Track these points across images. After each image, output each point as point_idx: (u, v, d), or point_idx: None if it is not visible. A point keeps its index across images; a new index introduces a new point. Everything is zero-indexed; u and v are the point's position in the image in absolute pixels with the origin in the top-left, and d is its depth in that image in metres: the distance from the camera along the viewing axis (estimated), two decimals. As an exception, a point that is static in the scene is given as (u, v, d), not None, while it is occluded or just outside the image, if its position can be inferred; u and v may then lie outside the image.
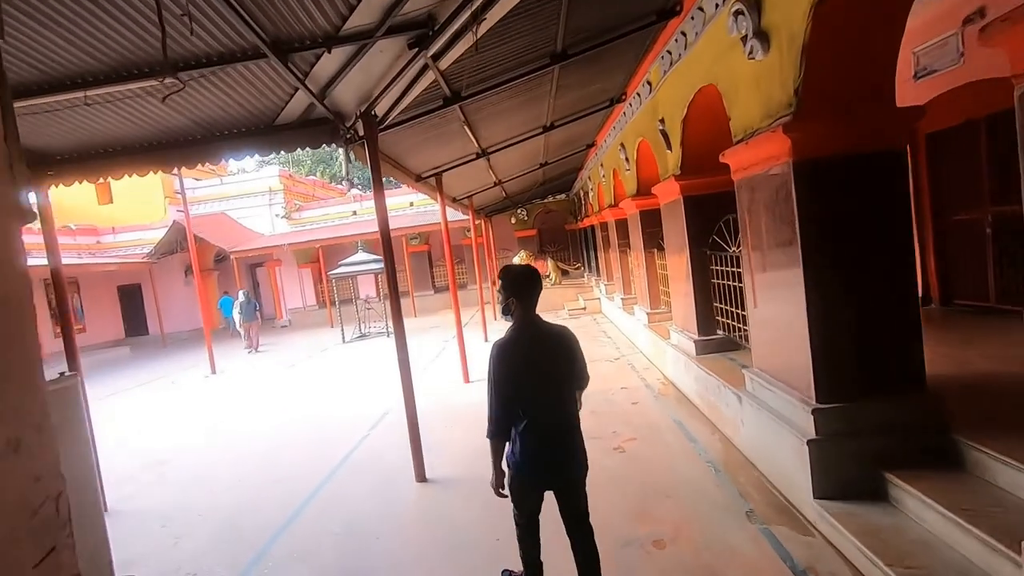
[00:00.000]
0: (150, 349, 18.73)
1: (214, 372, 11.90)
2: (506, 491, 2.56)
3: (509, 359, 2.46)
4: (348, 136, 4.70)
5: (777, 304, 3.70)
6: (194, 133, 4.58)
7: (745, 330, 5.25)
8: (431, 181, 8.12)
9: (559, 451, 2.51)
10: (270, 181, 21.08)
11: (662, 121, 5.96)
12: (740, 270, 5.07)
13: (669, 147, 5.88)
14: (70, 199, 21.81)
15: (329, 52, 3.56)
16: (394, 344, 4.85)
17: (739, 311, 5.23)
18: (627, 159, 8.27)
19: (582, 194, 16.41)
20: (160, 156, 4.66)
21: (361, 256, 14.08)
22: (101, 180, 4.81)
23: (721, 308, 5.71)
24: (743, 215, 4.11)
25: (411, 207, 20.84)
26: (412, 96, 4.58)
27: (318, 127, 4.61)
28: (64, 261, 15.58)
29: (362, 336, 14.73)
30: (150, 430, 7.81)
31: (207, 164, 4.67)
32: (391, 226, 4.82)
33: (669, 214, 6.33)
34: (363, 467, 5.29)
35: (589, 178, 13.84)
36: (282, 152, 4.67)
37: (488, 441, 2.51)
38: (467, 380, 8.23)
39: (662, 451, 4.76)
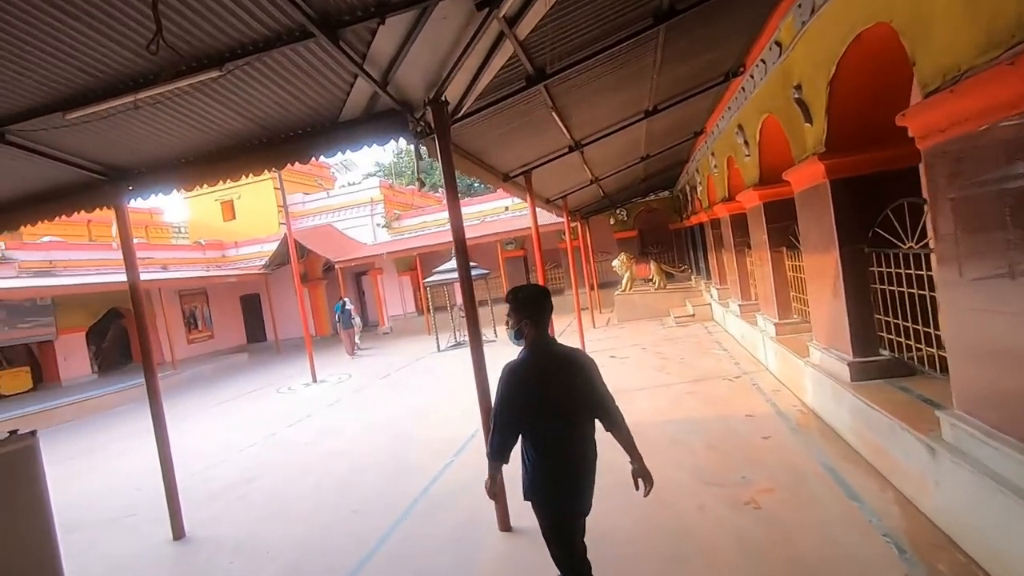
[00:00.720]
0: (265, 355, 19.94)
1: (314, 380, 12.12)
2: (497, 489, 2.55)
3: (515, 383, 2.36)
4: (419, 129, 4.12)
5: (1014, 326, 2.52)
6: (258, 136, 4.24)
7: (926, 351, 3.97)
8: (519, 180, 7.45)
9: (568, 482, 2.40)
10: (371, 192, 21.73)
11: (798, 88, 4.78)
12: (922, 273, 3.82)
13: (808, 119, 4.69)
14: (201, 218, 24.01)
15: (383, 22, 2.97)
16: (473, 362, 4.17)
17: (917, 327, 3.96)
18: (746, 143, 7.04)
19: (688, 190, 14.98)
20: (228, 164, 4.37)
21: (454, 263, 13.79)
22: (176, 191, 4.65)
23: (887, 322, 4.42)
24: (937, 197, 2.94)
25: (506, 211, 20.46)
26: (488, 76, 3.90)
27: (384, 120, 4.07)
28: (193, 274, 16.86)
29: (457, 344, 14.45)
30: (244, 443, 7.85)
31: (272, 170, 4.33)
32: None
33: (807, 203, 5.11)
34: (442, 504, 4.67)
35: (697, 171, 12.48)
36: (348, 151, 4.19)
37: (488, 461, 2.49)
38: (562, 398, 7.45)
39: (813, 511, 3.64)
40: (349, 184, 23.16)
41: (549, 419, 2.35)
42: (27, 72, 3.04)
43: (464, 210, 21.50)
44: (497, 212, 20.57)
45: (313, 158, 4.30)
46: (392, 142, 4.41)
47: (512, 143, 6.05)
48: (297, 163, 4.27)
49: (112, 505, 5.95)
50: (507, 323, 2.47)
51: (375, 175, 32.76)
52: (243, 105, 3.75)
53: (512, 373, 2.36)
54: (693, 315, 12.98)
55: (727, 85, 7.06)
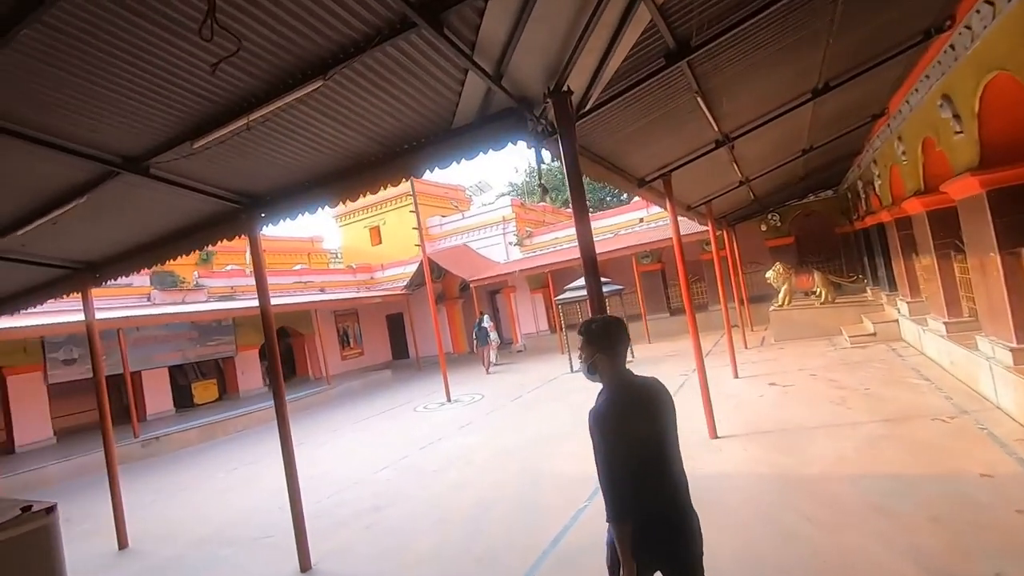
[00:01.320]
0: (407, 371, 20.88)
1: (448, 400, 12.16)
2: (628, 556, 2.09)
3: (614, 428, 2.10)
4: (539, 128, 3.59)
5: None
6: (373, 153, 4.02)
7: None
8: (657, 185, 6.62)
9: (676, 522, 2.18)
10: (503, 211, 21.95)
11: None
12: None
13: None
14: (352, 243, 26.17)
15: (489, -2, 2.49)
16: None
17: None
18: (956, 116, 5.49)
19: (860, 186, 12.73)
20: (348, 183, 4.23)
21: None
22: (302, 215, 4.63)
23: None
24: None
25: (640, 223, 19.35)
26: (620, 56, 3.25)
27: (500, 122, 3.60)
28: (346, 295, 18.08)
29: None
30: (377, 465, 7.88)
31: (387, 186, 4.09)
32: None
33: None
34: (572, 563, 4.00)
35: (874, 162, 10.48)
36: (462, 159, 3.80)
37: (611, 525, 2.15)
38: (713, 434, 6.37)
39: None
40: (483, 205, 23.68)
41: (646, 459, 2.13)
42: (158, 104, 3.06)
43: (595, 224, 20.82)
44: (631, 224, 19.53)
45: (428, 170, 3.98)
46: (517, 157, 3.95)
47: (648, 140, 5.29)
48: (412, 177, 3.99)
49: (257, 522, 6.17)
50: (580, 356, 2.32)
51: (508, 195, 33.41)
52: (353, 118, 3.53)
53: (605, 420, 2.12)
54: (874, 334, 10.85)
55: (925, 47, 5.61)
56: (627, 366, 2.28)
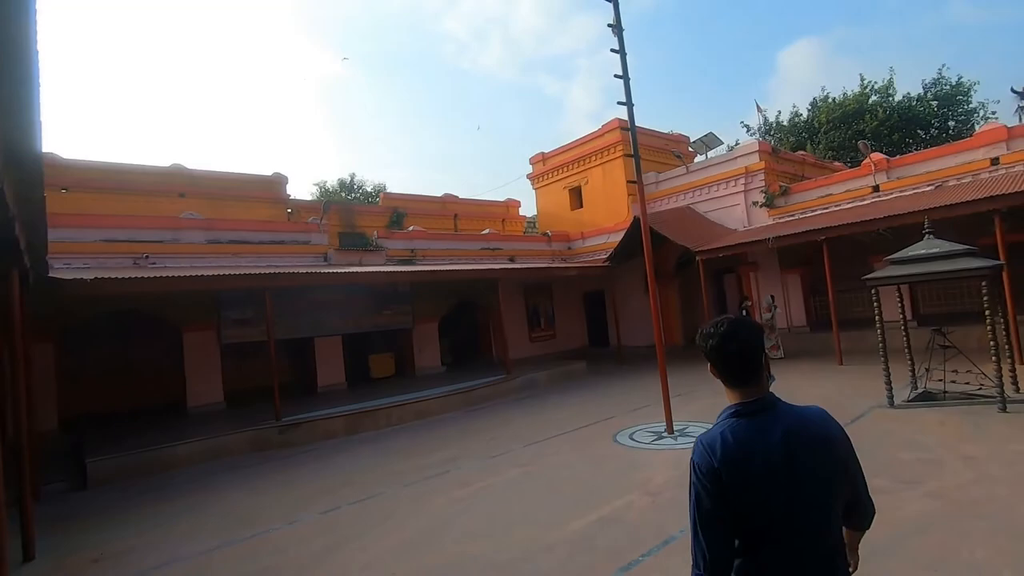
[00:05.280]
0: (606, 364, 16.70)
1: (670, 431, 7.61)
2: None
3: (705, 473, 1.48)
4: None
5: None
6: None
7: None
8: None
9: None
10: (747, 159, 16.06)
11: None
12: None
13: None
14: (549, 207, 22.74)
15: None
16: None
17: None
18: None
19: None
20: None
21: (934, 246, 7.21)
22: None
23: None
24: None
25: (991, 166, 11.88)
26: None
27: None
28: (532, 265, 14.42)
29: (925, 396, 7.75)
30: (540, 545, 3.86)
31: None
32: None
33: None
34: None
35: None
36: None
37: None
38: None
39: None
40: (712, 159, 18.02)
41: (773, 521, 1.45)
42: None
43: (897, 174, 13.77)
44: (975, 169, 12.17)
45: None
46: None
47: None
48: None
49: None
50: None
51: (754, 137, 26.44)
52: None
53: (700, 456, 1.51)
54: None
55: None
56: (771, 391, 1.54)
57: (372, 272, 12.67)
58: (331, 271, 12.83)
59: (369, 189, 31.89)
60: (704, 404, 9.29)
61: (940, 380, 7.77)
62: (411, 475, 6.89)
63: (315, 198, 28.64)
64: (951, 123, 26.22)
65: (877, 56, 59.06)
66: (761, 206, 15.78)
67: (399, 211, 19.46)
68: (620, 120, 19.16)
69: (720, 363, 1.57)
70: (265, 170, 25.27)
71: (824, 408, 1.62)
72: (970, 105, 26.13)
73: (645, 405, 9.71)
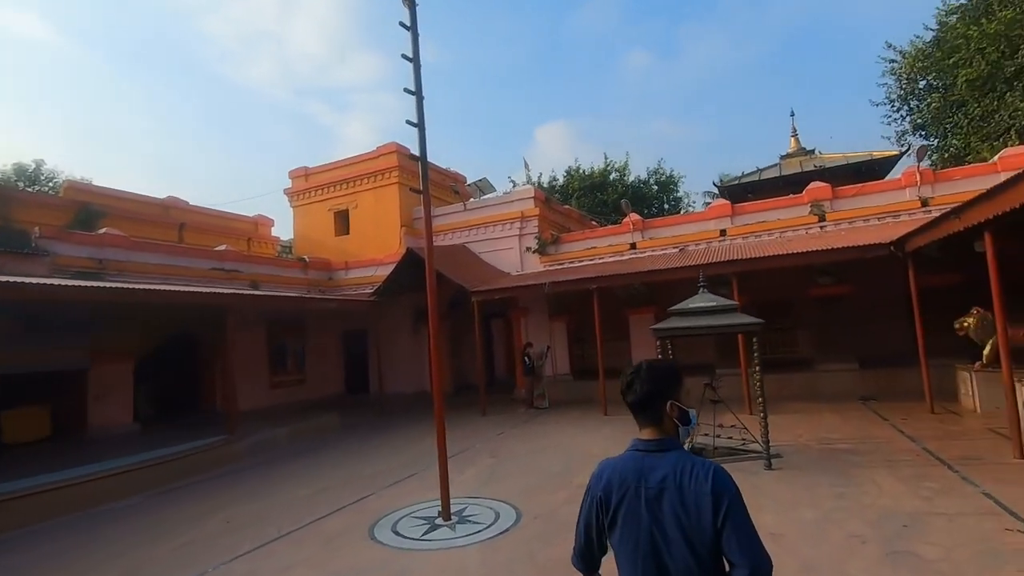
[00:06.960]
0: (366, 414, 14.38)
1: (446, 518, 5.86)
2: None
3: (596, 496, 1.75)
4: None
5: None
6: None
7: None
8: None
9: None
10: (522, 204, 16.06)
11: None
12: None
13: None
14: (309, 231, 19.81)
15: None
16: None
17: None
18: None
19: None
20: None
21: (710, 299, 7.24)
22: None
23: None
24: None
25: (818, 224, 13.06)
26: None
27: None
28: (284, 294, 11.20)
29: (694, 452, 7.64)
30: None
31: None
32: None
33: None
34: None
35: None
36: None
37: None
38: None
39: None
40: (490, 198, 17.74)
41: (631, 561, 1.65)
42: None
43: (652, 234, 15.13)
44: (801, 224, 13.81)
45: None
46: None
47: None
48: None
49: None
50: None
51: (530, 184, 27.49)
52: None
53: (594, 478, 1.82)
54: None
55: None
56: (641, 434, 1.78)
57: (7, 284, 8.28)
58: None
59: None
60: (481, 468, 7.88)
61: (707, 435, 7.77)
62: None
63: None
64: (666, 205, 32.06)
65: (614, 144, 71.26)
66: (534, 252, 15.81)
67: (92, 208, 14.32)
68: (398, 144, 17.70)
69: (627, 405, 1.78)
70: None
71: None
72: (678, 193, 32.51)
73: (411, 474, 7.86)
